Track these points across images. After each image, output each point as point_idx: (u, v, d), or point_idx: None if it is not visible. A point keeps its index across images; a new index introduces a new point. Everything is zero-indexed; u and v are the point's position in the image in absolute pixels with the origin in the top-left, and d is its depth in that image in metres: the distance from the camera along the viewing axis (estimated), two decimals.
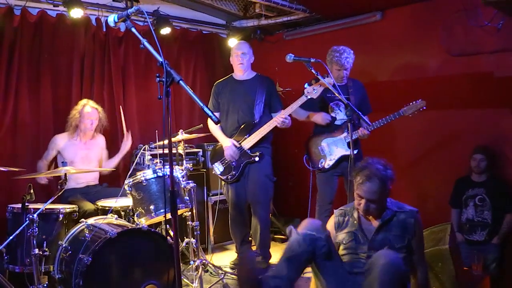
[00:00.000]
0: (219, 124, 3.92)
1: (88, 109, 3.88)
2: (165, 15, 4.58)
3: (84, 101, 3.95)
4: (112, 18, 2.01)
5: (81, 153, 3.86)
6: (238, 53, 3.85)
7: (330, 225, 2.59)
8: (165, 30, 4.38)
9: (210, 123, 3.96)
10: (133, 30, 1.95)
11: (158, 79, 1.81)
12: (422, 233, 2.53)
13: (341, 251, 2.48)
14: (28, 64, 4.04)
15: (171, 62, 4.96)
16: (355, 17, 4.71)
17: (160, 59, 1.83)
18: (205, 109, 1.77)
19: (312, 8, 4.70)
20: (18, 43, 3.97)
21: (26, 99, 4.02)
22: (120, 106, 4.20)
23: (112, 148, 4.24)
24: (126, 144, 4.09)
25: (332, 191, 3.84)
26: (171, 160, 1.83)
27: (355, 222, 2.51)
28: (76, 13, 3.95)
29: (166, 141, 3.75)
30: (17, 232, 2.87)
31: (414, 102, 3.54)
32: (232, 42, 5.12)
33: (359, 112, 3.08)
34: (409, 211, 2.48)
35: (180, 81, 1.79)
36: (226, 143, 3.77)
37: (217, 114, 3.95)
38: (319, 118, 3.80)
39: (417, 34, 4.33)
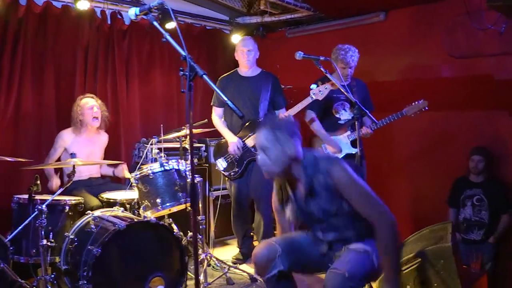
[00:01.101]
0: (223, 119, 3.94)
1: (85, 100, 3.88)
2: (166, 8, 4.56)
3: (80, 96, 3.96)
4: (133, 11, 2.03)
5: (85, 149, 3.86)
6: (244, 50, 3.86)
7: (275, 204, 2.43)
8: (170, 25, 4.35)
9: (214, 118, 3.98)
10: (155, 23, 1.97)
11: (181, 72, 1.84)
12: (348, 179, 2.17)
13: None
14: (32, 55, 4.03)
15: (174, 57, 4.99)
16: (358, 17, 4.76)
17: (184, 53, 1.86)
18: (230, 104, 1.80)
19: (316, 7, 4.74)
20: (23, 34, 3.95)
21: (29, 90, 4.01)
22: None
23: (114, 139, 4.25)
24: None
25: None
26: (191, 153, 1.86)
27: (290, 194, 2.29)
28: (83, 4, 3.94)
29: (172, 135, 3.81)
30: (26, 223, 2.88)
31: (416, 102, 3.59)
32: (235, 38, 5.14)
33: (367, 111, 3.12)
34: (325, 171, 2.16)
35: (204, 75, 1.82)
36: (232, 138, 3.79)
37: (220, 109, 3.98)
38: (331, 147, 3.81)
39: (420, 35, 4.39)
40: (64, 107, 4.10)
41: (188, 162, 3.52)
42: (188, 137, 3.81)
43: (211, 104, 4.01)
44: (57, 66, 4.18)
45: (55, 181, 3.76)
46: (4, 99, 3.87)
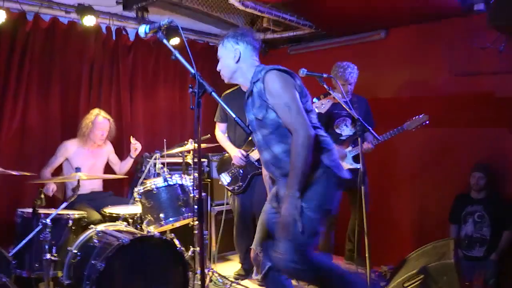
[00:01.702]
0: (226, 135, 3.97)
1: (101, 119, 3.92)
2: (174, 26, 4.64)
3: (96, 110, 4.00)
4: (143, 29, 2.07)
5: (88, 162, 3.89)
6: None
7: None
8: (175, 41, 4.45)
9: (217, 133, 4.01)
10: (165, 41, 2.00)
11: (190, 89, 1.87)
12: (278, 87, 2.22)
13: None
14: (39, 69, 4.08)
15: (178, 72, 5.05)
16: (359, 35, 4.82)
17: (193, 70, 1.89)
18: (238, 121, 1.83)
19: (318, 24, 4.81)
20: (30, 48, 4.01)
21: (35, 103, 4.05)
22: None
23: (117, 153, 4.28)
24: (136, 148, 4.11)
25: (337, 205, 3.89)
26: (199, 168, 1.88)
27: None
28: (89, 20, 4.00)
29: (175, 150, 3.84)
30: (30, 236, 2.88)
31: (417, 116, 3.65)
32: None
33: (369, 127, 3.15)
34: (262, 77, 2.26)
35: (212, 93, 1.85)
36: (234, 151, 3.82)
37: (223, 125, 4.01)
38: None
39: (420, 53, 4.44)
40: (69, 120, 4.14)
41: (191, 177, 3.54)
42: (191, 152, 3.85)
43: (215, 120, 4.04)
44: (63, 80, 4.23)
45: (52, 186, 3.75)
46: (10, 111, 3.91)
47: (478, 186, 3.87)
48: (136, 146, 4.07)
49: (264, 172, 2.73)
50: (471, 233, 3.87)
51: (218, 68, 2.43)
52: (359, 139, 3.11)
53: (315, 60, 5.13)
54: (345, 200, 4.00)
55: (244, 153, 3.80)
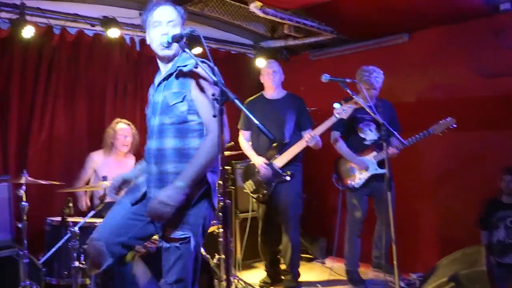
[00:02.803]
0: (250, 143, 3.98)
1: (122, 125, 3.99)
2: (196, 35, 4.70)
3: (117, 119, 4.07)
4: (165, 39, 2.10)
5: (114, 171, 3.93)
6: (269, 71, 3.93)
7: None
8: (197, 50, 4.49)
9: (241, 141, 4.02)
10: (187, 50, 2.03)
11: (212, 97, 1.88)
12: (206, 83, 2.15)
13: None
14: (65, 81, 4.18)
15: None
16: (382, 39, 4.78)
17: (215, 78, 1.90)
18: (262, 127, 1.83)
19: (340, 30, 4.79)
20: (56, 61, 4.11)
21: (62, 115, 4.15)
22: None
23: None
24: None
25: (363, 211, 3.85)
26: (224, 176, 1.89)
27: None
28: (113, 33, 4.08)
29: None
30: (59, 244, 2.94)
31: (443, 120, 3.58)
32: (259, 62, 5.21)
33: (394, 131, 3.11)
34: (192, 67, 2.17)
35: (235, 100, 1.85)
36: (259, 161, 3.82)
37: (247, 133, 4.02)
38: (357, 165, 3.82)
39: (445, 56, 4.36)
40: (95, 131, 4.22)
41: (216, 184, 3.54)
42: None
43: (238, 127, 4.05)
44: (89, 91, 4.32)
45: (86, 202, 3.83)
46: (38, 123, 4.01)
47: (509, 189, 3.76)
48: None
49: None
50: (503, 239, 3.75)
51: (165, 32, 2.15)
52: (384, 144, 3.06)
53: (337, 65, 5.11)
54: (371, 206, 3.95)
55: (267, 162, 3.79)
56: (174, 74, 2.19)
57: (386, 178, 2.93)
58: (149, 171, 2.21)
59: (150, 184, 2.20)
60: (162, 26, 2.15)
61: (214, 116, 1.86)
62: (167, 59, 2.24)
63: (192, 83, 2.15)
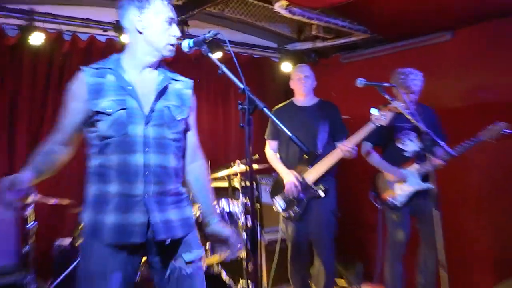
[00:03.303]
0: (278, 155, 3.93)
1: None
2: (216, 39, 4.73)
3: None
4: (186, 43, 2.08)
5: None
6: (301, 76, 3.89)
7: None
8: (217, 55, 4.50)
9: (268, 152, 3.98)
10: (210, 55, 2.01)
11: (240, 106, 1.85)
12: (194, 105, 2.29)
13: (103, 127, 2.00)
14: None
15: (221, 88, 5.10)
16: (421, 38, 4.71)
17: (242, 85, 1.88)
18: (295, 139, 1.78)
19: (374, 29, 4.74)
20: (67, 69, 4.17)
21: None
22: None
23: None
24: None
25: (406, 232, 3.73)
26: (252, 194, 1.85)
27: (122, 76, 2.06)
28: (127, 38, 4.11)
29: (221, 173, 3.83)
30: (69, 270, 2.93)
31: (493, 125, 3.47)
32: (285, 66, 5.19)
33: (441, 141, 3.01)
34: (189, 83, 2.26)
35: (264, 109, 1.82)
36: (288, 177, 3.76)
37: (275, 143, 3.97)
38: (392, 175, 3.74)
39: (493, 54, 4.26)
40: None
41: (240, 202, 3.51)
42: (238, 175, 3.82)
43: (265, 137, 4.02)
44: None
45: None
46: (48, 135, 4.03)
47: None
48: None
49: None
50: None
51: (178, 34, 2.15)
52: (428, 155, 2.97)
53: (371, 68, 5.06)
54: (413, 225, 3.83)
55: (300, 179, 3.73)
56: (168, 86, 2.14)
57: (433, 194, 2.83)
58: (143, 193, 1.99)
59: (151, 208, 1.99)
60: (174, 26, 2.12)
61: (242, 126, 1.83)
62: (158, 63, 2.17)
63: (191, 101, 2.22)
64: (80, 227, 3.18)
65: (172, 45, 2.12)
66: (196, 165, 2.29)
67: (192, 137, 2.27)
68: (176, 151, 2.12)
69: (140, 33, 2.08)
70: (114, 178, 1.97)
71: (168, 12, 2.09)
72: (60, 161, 2.12)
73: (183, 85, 2.22)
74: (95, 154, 2.05)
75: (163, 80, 2.14)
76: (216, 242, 2.36)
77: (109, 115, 1.97)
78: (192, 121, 2.25)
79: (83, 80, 2.02)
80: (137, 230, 1.96)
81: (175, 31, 2.11)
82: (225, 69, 1.96)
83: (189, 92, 2.23)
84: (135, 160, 1.99)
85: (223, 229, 2.26)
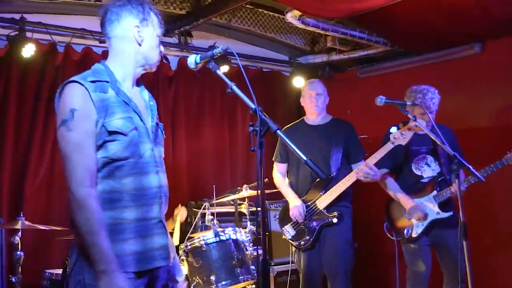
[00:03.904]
0: (286, 179, 3.96)
1: None
2: (230, 53, 4.80)
3: None
4: (193, 59, 2.11)
5: None
6: (312, 93, 3.93)
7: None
8: (223, 68, 4.57)
9: (276, 175, 4.01)
10: (218, 72, 2.04)
11: (251, 128, 1.88)
12: None
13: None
14: (58, 106, 4.27)
15: (226, 106, 5.15)
16: (447, 50, 4.77)
17: (253, 106, 1.91)
18: (311, 164, 1.81)
19: (394, 41, 4.79)
20: (60, 83, 4.20)
21: None
22: None
23: None
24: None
25: (427, 266, 3.72)
26: (263, 223, 1.87)
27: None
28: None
29: (227, 198, 3.85)
30: None
31: None
32: (297, 81, 5.24)
33: (469, 165, 3.02)
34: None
35: (278, 131, 1.85)
36: (294, 202, 3.80)
37: (283, 166, 4.01)
38: (413, 212, 3.73)
39: None
40: None
41: (247, 230, 3.54)
42: (246, 200, 3.85)
43: (273, 159, 4.06)
44: None
45: None
46: (37, 157, 4.10)
47: None
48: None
49: None
50: None
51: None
52: (457, 181, 2.98)
53: (391, 84, 5.08)
54: (434, 258, 3.81)
55: (304, 206, 3.77)
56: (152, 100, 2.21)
57: (462, 225, 2.84)
58: (159, 214, 2.05)
59: (159, 232, 2.04)
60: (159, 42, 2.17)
61: (253, 150, 1.86)
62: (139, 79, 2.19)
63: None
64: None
65: (159, 59, 2.18)
66: None
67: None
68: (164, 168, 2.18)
69: (139, 44, 2.11)
70: (129, 203, 1.96)
71: (160, 27, 2.16)
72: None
73: (154, 101, 2.24)
74: (100, 179, 1.94)
75: (150, 96, 2.21)
76: None
77: (125, 135, 1.95)
78: None
79: (87, 96, 1.93)
80: (159, 253, 2.01)
81: (161, 47, 2.19)
82: (235, 88, 1.99)
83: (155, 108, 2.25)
84: (151, 181, 2.02)
85: None
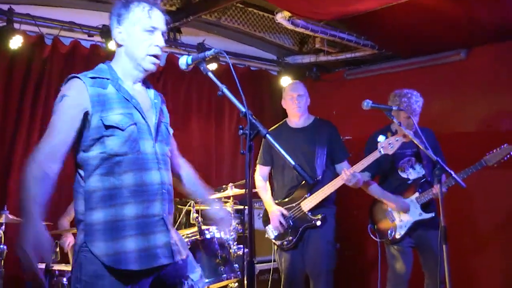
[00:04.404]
0: (268, 184, 4.00)
1: None
2: (211, 48, 4.81)
3: None
4: (184, 60, 2.12)
5: None
6: (294, 95, 3.92)
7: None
8: (212, 66, 4.57)
9: (257, 178, 4.02)
10: (210, 74, 2.05)
11: (241, 131, 1.89)
12: None
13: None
14: (55, 98, 4.24)
15: (214, 103, 5.17)
16: (433, 55, 4.83)
17: (243, 109, 1.92)
18: (299, 169, 1.83)
19: (382, 45, 4.84)
20: (47, 76, 4.21)
21: None
22: None
23: None
24: None
25: (408, 267, 3.79)
26: (250, 224, 1.89)
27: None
28: (115, 45, 4.17)
29: (213, 197, 3.85)
30: None
31: (498, 148, 3.55)
32: (285, 80, 5.27)
33: (450, 171, 3.08)
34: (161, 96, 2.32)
35: (267, 135, 1.87)
36: (273, 211, 3.84)
37: (266, 169, 4.04)
38: (395, 204, 3.80)
39: (508, 76, 4.38)
40: None
41: (231, 228, 3.56)
42: (231, 198, 3.87)
43: (257, 162, 4.06)
44: None
45: (69, 239, 3.84)
46: (22, 150, 4.06)
47: None
48: None
49: None
50: None
51: (161, 44, 2.15)
52: (433, 183, 3.04)
53: (377, 86, 5.13)
54: (416, 260, 3.87)
55: (286, 213, 3.80)
56: (158, 98, 2.26)
57: (437, 224, 2.90)
58: (161, 212, 2.06)
59: (169, 227, 2.09)
60: (157, 35, 2.12)
61: (242, 153, 1.88)
62: (142, 78, 2.21)
63: (168, 116, 2.31)
64: (56, 250, 3.20)
65: (154, 56, 2.13)
66: (183, 161, 2.46)
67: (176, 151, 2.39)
68: (168, 166, 2.20)
69: (120, 45, 2.14)
70: (129, 199, 1.98)
71: (148, 20, 2.09)
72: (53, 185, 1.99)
73: (160, 100, 2.28)
74: (99, 176, 1.98)
75: (155, 95, 2.24)
76: (214, 222, 2.52)
77: (122, 130, 1.98)
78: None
79: (84, 88, 1.98)
80: (162, 251, 2.03)
81: (158, 40, 2.12)
82: (225, 91, 2.00)
83: (165, 107, 2.33)
84: (152, 178, 2.04)
85: (219, 210, 2.50)
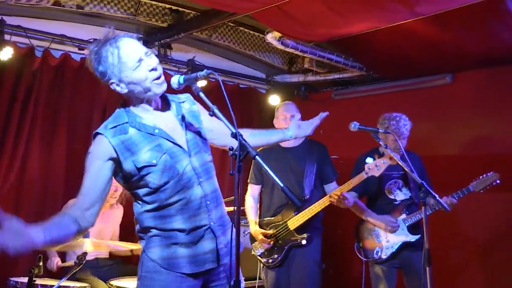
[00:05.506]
0: (257, 205, 4.03)
1: None
2: (201, 65, 4.85)
3: None
4: (176, 80, 2.14)
5: (98, 225, 3.93)
6: (287, 115, 3.95)
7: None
8: (201, 83, 4.60)
9: (248, 199, 4.06)
10: (201, 94, 2.08)
11: (231, 152, 1.92)
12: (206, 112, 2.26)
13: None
14: (44, 111, 4.25)
15: None
16: (420, 79, 4.91)
17: (233, 129, 1.95)
18: (287, 192, 1.85)
19: (370, 66, 4.91)
20: (36, 88, 4.19)
21: (37, 154, 4.18)
22: None
23: (130, 216, 4.33)
24: None
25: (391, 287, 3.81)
26: (237, 247, 1.90)
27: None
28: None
29: None
30: None
31: (485, 175, 3.62)
32: (273, 98, 5.31)
33: (435, 194, 3.12)
34: (189, 97, 2.38)
35: (257, 157, 1.89)
36: (252, 230, 3.91)
37: (257, 188, 4.06)
38: (380, 223, 3.84)
39: (494, 102, 4.46)
40: (75, 174, 4.21)
41: None
42: None
43: (248, 181, 4.08)
44: (71, 126, 4.39)
45: (56, 262, 3.80)
46: (8, 160, 4.04)
47: None
48: None
49: None
50: None
51: (153, 66, 2.12)
52: (423, 209, 3.07)
53: (364, 107, 5.19)
54: (400, 281, 3.90)
55: (269, 233, 3.83)
56: (181, 110, 2.29)
57: (426, 252, 2.92)
58: (208, 222, 2.20)
59: (217, 234, 2.22)
60: (146, 61, 2.11)
61: (231, 174, 1.90)
62: (158, 100, 2.23)
63: (202, 115, 2.35)
64: (39, 263, 3.17)
65: (157, 78, 2.12)
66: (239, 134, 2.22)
67: (223, 136, 2.32)
68: (214, 171, 2.32)
69: (125, 93, 2.16)
70: (177, 216, 2.16)
71: (128, 58, 2.08)
72: (81, 230, 2.09)
73: (189, 103, 2.35)
74: (149, 204, 2.18)
75: (177, 109, 2.29)
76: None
77: (155, 165, 2.11)
78: (212, 128, 2.38)
79: (106, 142, 2.10)
80: (209, 256, 2.19)
81: (150, 63, 2.12)
82: (216, 111, 2.03)
83: (195, 107, 2.38)
84: (195, 194, 2.18)
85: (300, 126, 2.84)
